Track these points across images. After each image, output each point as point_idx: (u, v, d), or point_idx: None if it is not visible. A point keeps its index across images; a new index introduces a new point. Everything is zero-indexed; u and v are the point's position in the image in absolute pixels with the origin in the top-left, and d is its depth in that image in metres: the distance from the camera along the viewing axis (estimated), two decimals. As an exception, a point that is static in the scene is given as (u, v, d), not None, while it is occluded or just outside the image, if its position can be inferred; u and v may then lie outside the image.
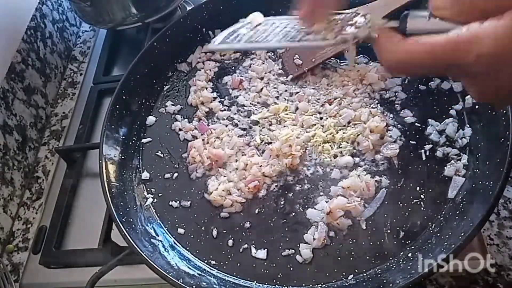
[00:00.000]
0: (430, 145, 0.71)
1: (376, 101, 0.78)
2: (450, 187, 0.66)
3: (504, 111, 0.64)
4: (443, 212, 0.64)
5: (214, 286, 0.64)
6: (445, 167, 0.68)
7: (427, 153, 0.70)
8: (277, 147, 0.74)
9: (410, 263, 0.59)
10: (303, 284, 0.63)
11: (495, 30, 0.33)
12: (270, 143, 0.76)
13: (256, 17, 0.52)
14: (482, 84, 0.37)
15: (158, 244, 0.70)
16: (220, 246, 0.69)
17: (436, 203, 0.65)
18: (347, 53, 0.51)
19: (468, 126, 0.71)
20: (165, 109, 0.89)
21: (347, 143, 0.73)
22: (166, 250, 0.69)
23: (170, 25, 0.93)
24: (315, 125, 0.77)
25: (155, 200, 0.77)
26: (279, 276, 0.65)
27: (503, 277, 0.67)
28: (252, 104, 0.84)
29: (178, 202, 0.76)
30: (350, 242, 0.65)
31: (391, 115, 0.75)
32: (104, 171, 0.76)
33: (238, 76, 0.89)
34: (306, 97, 0.81)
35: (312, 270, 0.64)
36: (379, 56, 0.41)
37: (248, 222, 0.70)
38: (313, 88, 0.82)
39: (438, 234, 0.62)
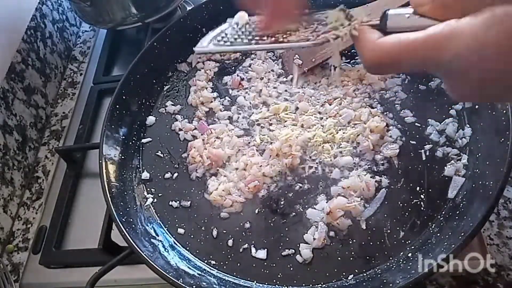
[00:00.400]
0: (430, 145, 0.71)
1: (376, 101, 0.78)
2: (450, 187, 0.66)
3: (504, 111, 0.64)
4: (443, 212, 0.64)
5: (214, 286, 0.64)
6: (445, 167, 0.68)
7: (427, 153, 0.70)
8: (277, 147, 0.74)
9: (410, 263, 0.59)
10: (303, 284, 0.63)
11: (471, 27, 0.33)
12: (270, 143, 0.76)
13: (242, 16, 0.51)
14: (459, 81, 0.37)
15: (158, 244, 0.70)
16: (220, 246, 0.69)
17: (436, 203, 0.65)
18: (332, 58, 0.51)
19: (468, 126, 0.71)
20: (165, 109, 0.89)
21: (347, 143, 0.73)
22: (166, 250, 0.69)
23: (170, 25, 0.93)
24: (315, 125, 0.76)
25: (155, 200, 0.77)
26: (279, 276, 0.65)
27: (503, 277, 0.67)
28: (252, 104, 0.84)
29: (178, 202, 0.76)
30: (350, 242, 0.65)
31: (391, 115, 0.75)
32: (104, 171, 0.76)
33: (238, 76, 0.89)
34: (306, 97, 0.81)
35: (312, 270, 0.64)
36: (359, 55, 0.40)
37: (248, 222, 0.70)
38: (313, 88, 0.82)
39: (438, 234, 0.62)
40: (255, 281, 0.65)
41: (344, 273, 0.63)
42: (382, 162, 0.71)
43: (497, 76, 0.34)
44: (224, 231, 0.70)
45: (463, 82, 0.37)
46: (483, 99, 0.49)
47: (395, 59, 0.37)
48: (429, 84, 0.77)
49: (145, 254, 0.64)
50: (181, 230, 0.72)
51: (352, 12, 0.44)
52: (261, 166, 0.73)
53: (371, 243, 0.64)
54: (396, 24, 0.39)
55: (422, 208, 0.65)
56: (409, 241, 0.63)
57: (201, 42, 0.52)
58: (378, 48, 0.38)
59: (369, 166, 0.71)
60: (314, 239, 0.66)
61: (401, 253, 0.62)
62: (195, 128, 0.84)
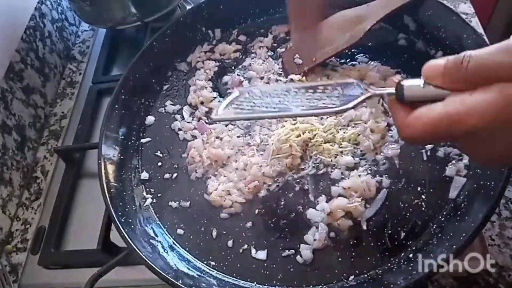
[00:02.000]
0: (431, 145, 0.70)
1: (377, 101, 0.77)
2: (451, 187, 0.65)
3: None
4: (444, 213, 0.64)
5: (214, 287, 0.63)
6: (446, 167, 0.67)
7: (428, 153, 0.70)
8: (277, 147, 0.73)
9: (411, 264, 0.59)
10: (304, 285, 0.63)
11: (483, 104, 0.36)
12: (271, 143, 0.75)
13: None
14: (476, 149, 0.42)
15: (157, 245, 0.69)
16: (219, 247, 0.69)
17: (437, 203, 0.65)
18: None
19: (470, 126, 0.70)
20: (165, 109, 0.89)
21: (348, 143, 0.73)
22: (165, 251, 0.69)
23: (169, 25, 0.93)
24: (315, 125, 0.76)
25: (154, 200, 0.77)
26: (279, 277, 0.64)
27: (504, 278, 0.67)
28: (252, 104, 0.83)
29: (177, 202, 0.75)
30: (351, 243, 0.65)
31: (392, 115, 0.75)
32: (103, 171, 0.75)
33: (238, 75, 0.88)
34: (306, 96, 0.80)
35: (312, 271, 0.64)
36: (396, 127, 0.46)
37: (248, 223, 0.70)
38: (313, 88, 0.82)
39: (439, 235, 0.61)
40: (255, 282, 0.65)
41: (344, 274, 0.62)
42: (383, 162, 0.71)
43: None
44: (224, 232, 0.70)
45: (480, 150, 0.42)
46: (505, 164, 0.57)
47: (424, 136, 0.42)
48: (430, 83, 0.77)
49: (144, 255, 0.63)
50: (180, 231, 0.72)
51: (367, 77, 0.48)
52: (261, 166, 0.73)
53: (372, 244, 0.64)
54: (413, 93, 0.43)
55: (423, 209, 0.65)
56: (410, 242, 0.63)
57: (218, 110, 0.56)
58: (409, 129, 0.43)
59: (370, 166, 0.71)
60: (315, 239, 0.65)
61: (402, 254, 0.62)
62: (195, 128, 0.84)
